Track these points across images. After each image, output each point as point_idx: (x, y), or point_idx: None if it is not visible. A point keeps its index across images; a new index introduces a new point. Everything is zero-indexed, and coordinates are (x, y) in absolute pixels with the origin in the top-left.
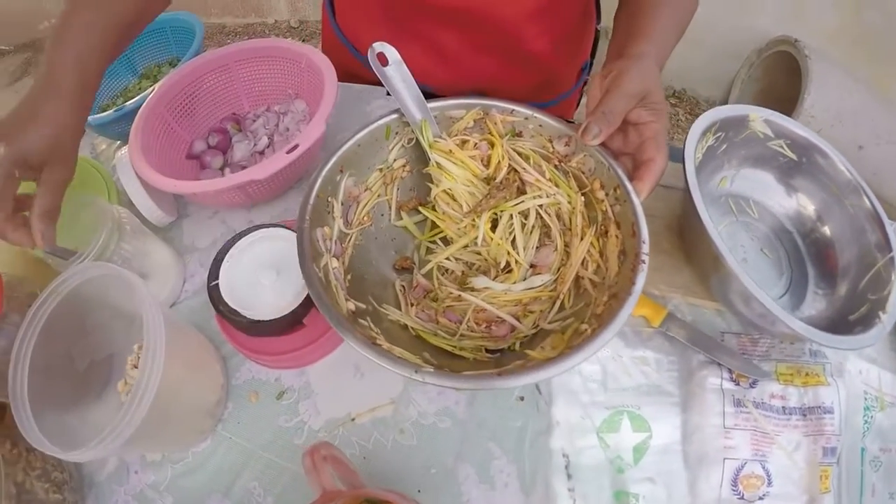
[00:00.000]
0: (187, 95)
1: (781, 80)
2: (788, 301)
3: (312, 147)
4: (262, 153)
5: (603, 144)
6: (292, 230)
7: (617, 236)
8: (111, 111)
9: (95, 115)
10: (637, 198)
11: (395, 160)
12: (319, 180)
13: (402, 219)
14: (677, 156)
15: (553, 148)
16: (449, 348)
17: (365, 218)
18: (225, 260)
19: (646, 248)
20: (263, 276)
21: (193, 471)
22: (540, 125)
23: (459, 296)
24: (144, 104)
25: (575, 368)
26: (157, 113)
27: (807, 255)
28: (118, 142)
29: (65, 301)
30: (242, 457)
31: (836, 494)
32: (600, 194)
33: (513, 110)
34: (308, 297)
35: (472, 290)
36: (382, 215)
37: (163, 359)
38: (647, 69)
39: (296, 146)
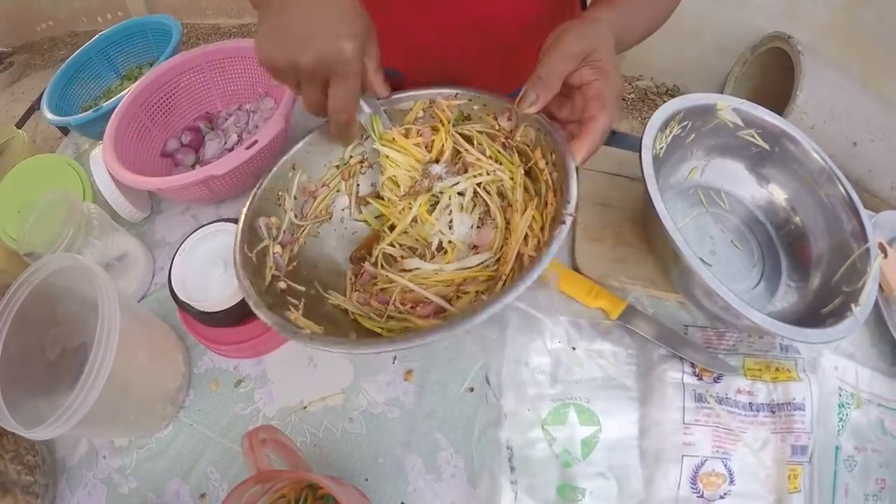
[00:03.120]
0: (162, 95)
1: (775, 79)
2: (762, 293)
3: (272, 143)
4: (231, 150)
5: (547, 112)
6: None
7: (552, 204)
8: (90, 111)
9: (76, 116)
10: (571, 160)
11: (351, 157)
12: (268, 177)
13: (361, 213)
14: (636, 145)
15: (499, 125)
16: (378, 330)
17: (323, 212)
18: (177, 254)
19: (570, 208)
20: (212, 269)
21: (156, 456)
22: (484, 104)
23: (388, 277)
24: (119, 105)
25: (522, 360)
26: (131, 113)
27: (780, 247)
28: (100, 142)
29: (36, 291)
30: (201, 443)
31: (806, 494)
32: (542, 163)
33: (456, 94)
34: None
35: (404, 270)
36: (343, 209)
37: (116, 342)
38: (593, 30)
39: (255, 142)
